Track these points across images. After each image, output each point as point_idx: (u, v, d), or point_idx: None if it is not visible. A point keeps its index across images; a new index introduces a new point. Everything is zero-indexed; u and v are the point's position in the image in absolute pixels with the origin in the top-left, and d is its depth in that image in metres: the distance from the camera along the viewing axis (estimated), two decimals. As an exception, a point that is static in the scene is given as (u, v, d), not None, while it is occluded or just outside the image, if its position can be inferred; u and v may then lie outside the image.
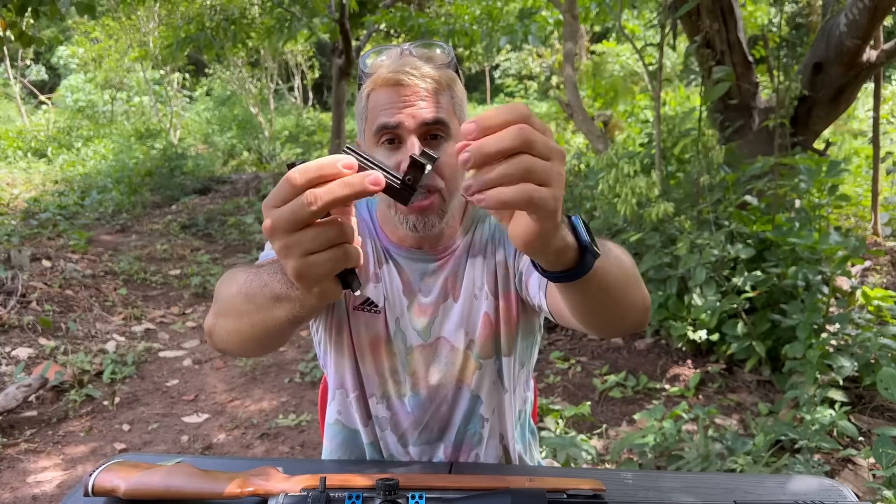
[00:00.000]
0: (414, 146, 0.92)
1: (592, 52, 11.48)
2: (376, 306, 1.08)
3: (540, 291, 0.95)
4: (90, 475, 0.92)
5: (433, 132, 0.95)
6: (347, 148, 0.57)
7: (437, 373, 1.09)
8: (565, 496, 0.90)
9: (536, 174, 0.53)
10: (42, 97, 15.48)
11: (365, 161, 0.56)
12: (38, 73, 14.52)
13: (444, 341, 1.09)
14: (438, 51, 0.98)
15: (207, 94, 15.74)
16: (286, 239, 0.55)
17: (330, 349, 1.11)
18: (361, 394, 1.12)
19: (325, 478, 0.88)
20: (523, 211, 0.57)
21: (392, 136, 0.95)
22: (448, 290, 1.09)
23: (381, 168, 0.57)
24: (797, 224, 3.27)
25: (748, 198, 3.40)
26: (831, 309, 2.96)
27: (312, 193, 0.53)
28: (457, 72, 1.00)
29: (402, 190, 0.58)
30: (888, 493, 1.98)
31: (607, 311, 0.79)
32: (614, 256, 0.77)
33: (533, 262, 0.69)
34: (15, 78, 13.55)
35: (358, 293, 0.73)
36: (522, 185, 0.53)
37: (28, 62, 14.63)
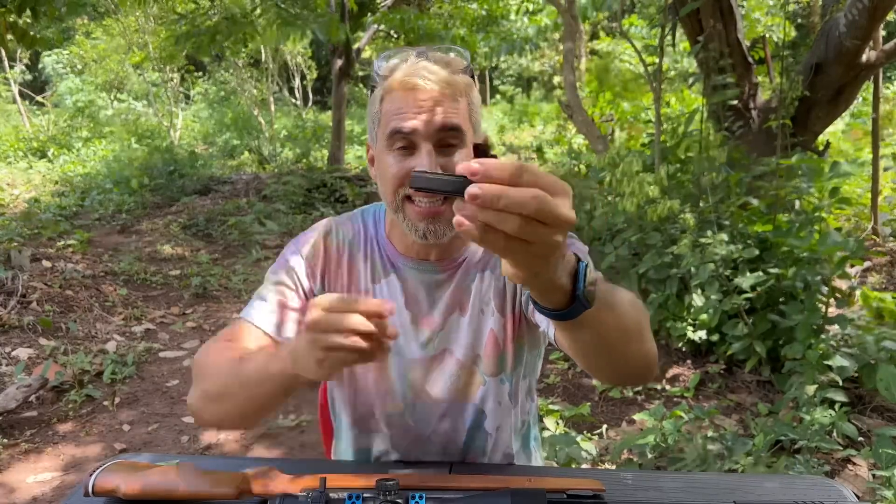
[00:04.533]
0: (430, 154, 0.90)
1: (593, 52, 11.48)
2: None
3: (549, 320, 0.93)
4: (91, 475, 0.93)
5: (448, 140, 0.92)
6: (416, 172, 0.58)
7: (439, 386, 1.08)
8: (565, 496, 0.90)
9: (536, 240, 0.53)
10: (39, 98, 15.48)
11: (433, 177, 0.57)
12: (23, 73, 14.46)
13: (450, 354, 1.07)
14: (455, 55, 0.95)
15: (205, 94, 15.75)
16: (322, 338, 0.71)
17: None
18: (363, 416, 1.12)
19: (325, 478, 0.88)
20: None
21: (405, 143, 0.92)
22: (455, 303, 1.07)
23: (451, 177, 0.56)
24: (797, 225, 3.27)
25: (751, 198, 3.40)
26: (831, 310, 2.97)
27: (353, 324, 0.70)
28: (472, 77, 0.97)
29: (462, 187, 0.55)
30: (888, 494, 1.98)
31: (603, 359, 0.80)
32: (618, 310, 0.75)
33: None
34: (15, 80, 13.54)
35: None
36: (510, 242, 0.53)
37: (25, 63, 14.62)
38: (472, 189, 0.51)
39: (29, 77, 15.75)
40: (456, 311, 1.07)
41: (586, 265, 0.66)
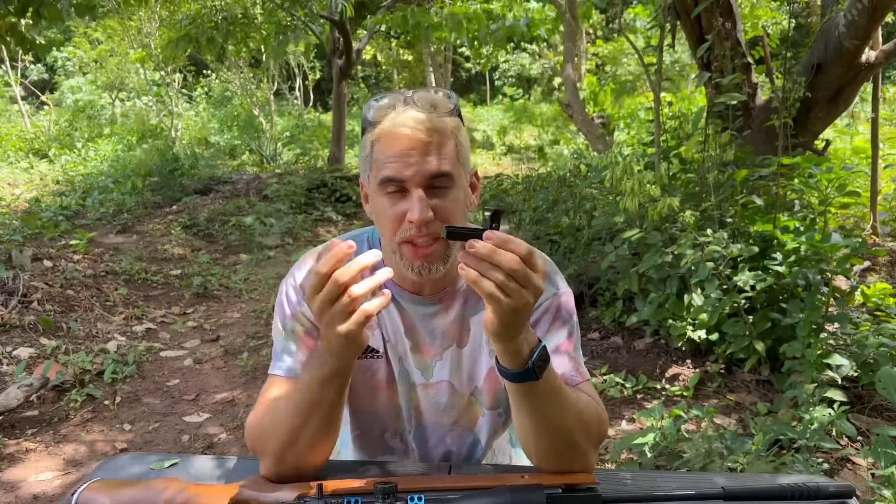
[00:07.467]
0: (421, 199, 0.92)
1: (595, 55, 11.48)
2: (377, 352, 1.10)
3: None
4: (72, 495, 0.90)
5: (437, 184, 0.95)
6: (448, 228, 0.80)
7: (438, 413, 1.12)
8: (560, 490, 0.91)
9: (513, 295, 0.74)
10: (42, 97, 15.49)
11: (464, 232, 0.77)
12: (39, 72, 14.48)
13: (448, 385, 1.11)
14: (441, 96, 0.98)
15: (207, 94, 15.75)
16: (334, 311, 0.80)
17: None
18: (366, 432, 1.16)
19: (322, 484, 0.87)
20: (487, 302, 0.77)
21: (397, 188, 0.95)
22: (454, 334, 1.10)
23: (472, 229, 0.77)
24: (807, 221, 3.26)
25: (754, 197, 3.39)
26: (830, 308, 2.97)
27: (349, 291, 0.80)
28: (460, 116, 1.00)
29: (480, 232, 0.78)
30: (887, 493, 1.99)
31: (531, 435, 0.93)
32: (565, 403, 0.90)
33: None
34: (17, 81, 13.53)
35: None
36: (494, 291, 0.74)
37: (28, 63, 14.63)
38: (474, 243, 0.74)
39: (46, 75, 15.73)
40: (454, 343, 1.10)
41: (544, 345, 0.84)
